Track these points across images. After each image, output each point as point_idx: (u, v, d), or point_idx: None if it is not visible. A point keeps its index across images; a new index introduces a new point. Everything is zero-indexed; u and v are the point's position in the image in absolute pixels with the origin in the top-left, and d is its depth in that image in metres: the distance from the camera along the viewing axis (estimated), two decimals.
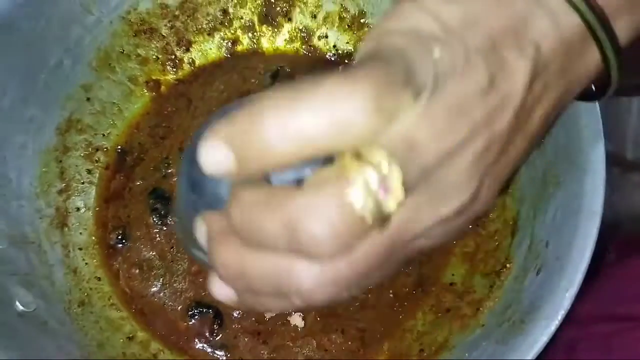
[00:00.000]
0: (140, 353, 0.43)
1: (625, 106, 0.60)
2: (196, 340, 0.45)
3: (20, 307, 0.39)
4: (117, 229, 0.48)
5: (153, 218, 0.48)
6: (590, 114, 0.38)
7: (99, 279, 0.46)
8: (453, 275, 0.46)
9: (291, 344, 0.44)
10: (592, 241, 0.34)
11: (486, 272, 0.43)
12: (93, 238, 0.48)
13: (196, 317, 0.45)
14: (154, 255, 0.47)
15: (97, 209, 0.50)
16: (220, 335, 0.45)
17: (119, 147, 0.52)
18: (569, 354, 0.49)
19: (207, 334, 0.45)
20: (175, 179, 0.49)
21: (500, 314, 0.38)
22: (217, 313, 0.45)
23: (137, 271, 0.47)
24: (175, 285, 0.46)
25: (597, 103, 0.38)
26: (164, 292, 0.46)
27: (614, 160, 0.59)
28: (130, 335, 0.44)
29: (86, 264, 0.47)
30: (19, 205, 0.44)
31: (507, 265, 0.41)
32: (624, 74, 0.61)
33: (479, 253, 0.45)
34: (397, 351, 0.43)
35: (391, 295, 0.45)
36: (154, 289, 0.46)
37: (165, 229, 0.48)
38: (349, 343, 0.44)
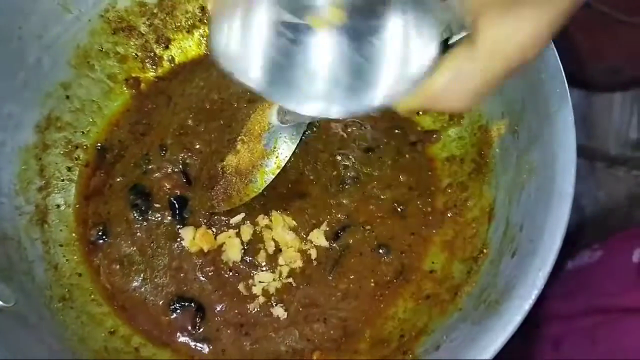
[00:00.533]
0: (122, 347, 0.43)
1: (607, 102, 0.62)
2: (178, 334, 0.45)
3: (0, 302, 0.38)
4: (98, 225, 0.48)
5: (133, 214, 0.48)
6: (562, 100, 0.39)
7: (80, 275, 0.46)
8: (433, 263, 0.46)
9: (274, 335, 0.44)
10: (564, 223, 0.35)
11: (464, 258, 0.44)
12: (73, 235, 0.48)
13: (178, 311, 0.45)
14: (134, 250, 0.47)
15: (77, 205, 0.50)
16: (203, 328, 0.45)
17: (99, 144, 0.52)
18: (555, 350, 0.50)
19: (189, 327, 0.45)
20: (155, 175, 0.50)
21: (476, 297, 0.38)
22: (199, 307, 0.46)
23: (118, 267, 0.47)
24: (156, 280, 0.47)
25: (568, 92, 0.39)
26: (145, 287, 0.46)
27: (598, 156, 0.60)
28: (112, 330, 0.44)
29: (67, 260, 0.46)
30: None
31: (484, 250, 0.42)
32: (607, 71, 0.61)
33: (457, 240, 0.46)
34: (378, 338, 0.43)
35: (372, 285, 0.46)
36: (135, 284, 0.46)
37: (145, 224, 0.48)
38: (331, 332, 0.44)
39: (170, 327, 0.45)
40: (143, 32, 0.54)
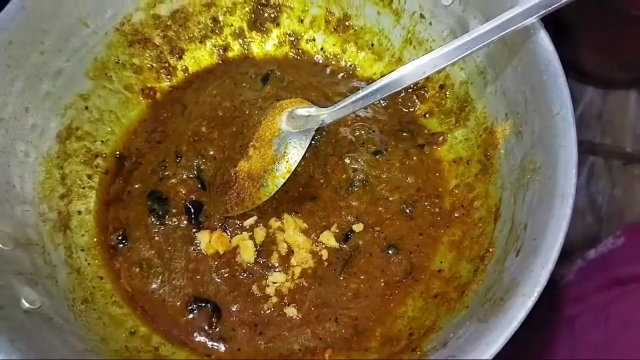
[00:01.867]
0: (142, 346, 0.45)
1: (623, 100, 0.62)
2: (196, 333, 0.47)
3: (26, 305, 0.40)
4: (118, 230, 0.50)
5: (151, 219, 0.50)
6: (563, 103, 0.40)
7: (101, 278, 0.48)
8: (441, 262, 0.47)
9: (287, 334, 0.46)
10: (566, 222, 0.36)
11: (471, 257, 0.45)
12: (94, 240, 0.50)
13: (195, 311, 0.47)
14: (152, 254, 0.49)
15: (97, 212, 0.52)
16: (219, 328, 0.47)
17: (118, 152, 0.54)
18: (569, 330, 0.50)
19: (206, 327, 0.47)
20: (172, 181, 0.51)
21: (483, 295, 0.39)
22: (215, 307, 0.47)
23: (138, 270, 0.49)
24: (174, 282, 0.48)
25: (569, 93, 0.40)
26: (164, 289, 0.48)
27: (614, 154, 0.60)
28: (133, 330, 0.46)
29: (89, 264, 0.49)
30: (23, 210, 0.46)
31: (490, 249, 0.43)
32: (622, 68, 0.61)
33: (465, 240, 0.47)
34: (388, 336, 0.44)
35: (383, 284, 0.47)
36: (154, 286, 0.48)
37: (163, 228, 0.50)
38: (343, 331, 0.45)
39: (188, 327, 0.47)
40: (157, 44, 0.57)
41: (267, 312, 0.47)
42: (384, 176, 0.51)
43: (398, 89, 0.42)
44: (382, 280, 0.47)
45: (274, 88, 0.56)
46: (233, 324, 0.47)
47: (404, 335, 0.43)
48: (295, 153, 0.46)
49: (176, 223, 0.50)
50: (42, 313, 0.41)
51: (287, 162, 0.46)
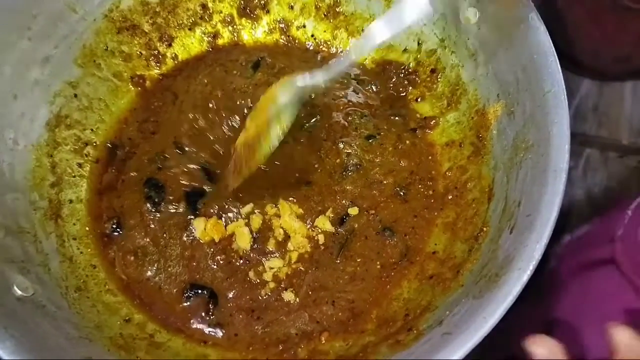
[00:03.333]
0: (137, 334, 0.44)
1: (619, 92, 0.62)
2: (193, 320, 0.46)
3: (19, 292, 0.40)
4: (112, 219, 0.50)
5: (147, 205, 0.49)
6: (554, 81, 0.40)
7: (94, 266, 0.48)
8: (436, 244, 0.48)
9: (284, 318, 0.46)
10: (559, 197, 0.36)
11: (466, 238, 0.45)
12: (87, 228, 0.49)
13: (191, 298, 0.47)
14: (148, 242, 0.49)
15: (89, 201, 0.51)
16: (215, 314, 0.46)
17: (109, 142, 0.53)
18: (610, 244, 0.49)
19: (202, 314, 0.47)
20: (173, 170, 0.51)
21: (477, 273, 0.40)
22: (211, 294, 0.47)
23: (133, 258, 0.48)
24: (169, 269, 0.48)
25: (560, 71, 0.41)
26: (159, 277, 0.48)
27: (610, 146, 0.60)
28: (127, 318, 0.46)
29: (81, 252, 0.48)
30: (13, 197, 0.45)
31: (484, 229, 0.43)
32: (617, 60, 0.62)
33: (458, 222, 0.47)
34: (384, 318, 0.44)
35: (379, 267, 0.47)
36: (149, 274, 0.48)
37: (159, 216, 0.49)
38: (339, 314, 0.46)
39: (185, 313, 0.47)
40: (146, 31, 0.56)
41: (265, 297, 0.47)
42: (377, 160, 0.51)
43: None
44: (378, 262, 0.47)
45: (265, 75, 0.56)
46: (230, 310, 0.47)
47: (400, 316, 0.43)
48: (288, 114, 0.45)
49: (172, 211, 0.50)
50: (35, 301, 0.41)
51: (280, 124, 0.45)
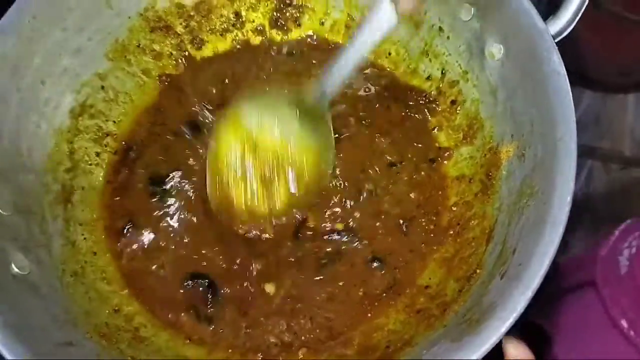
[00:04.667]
0: (122, 325, 0.45)
1: (622, 103, 0.61)
2: (192, 311, 0.47)
3: (15, 270, 0.42)
4: (125, 216, 0.51)
5: (155, 204, 0.51)
6: (566, 128, 0.39)
7: (95, 253, 0.49)
8: (430, 279, 0.47)
9: (264, 320, 0.46)
10: (553, 251, 0.35)
11: (459, 277, 0.44)
12: (94, 216, 0.51)
13: (190, 287, 0.48)
14: (154, 234, 0.50)
15: (103, 191, 0.53)
16: (213, 305, 0.47)
17: (124, 141, 0.55)
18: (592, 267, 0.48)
19: (201, 304, 0.47)
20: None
21: (461, 316, 0.39)
22: (211, 283, 0.48)
23: (137, 248, 0.49)
24: (171, 260, 0.49)
25: (574, 118, 0.39)
26: (162, 269, 0.49)
27: (612, 157, 0.59)
28: (116, 308, 0.47)
29: (84, 238, 0.50)
30: (27, 178, 0.47)
31: (478, 270, 0.42)
32: (620, 72, 0.61)
33: (455, 259, 0.46)
34: (365, 346, 0.44)
35: (361, 294, 0.47)
36: (154, 267, 0.49)
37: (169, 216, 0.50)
38: (317, 331, 0.45)
39: (184, 303, 0.47)
40: (179, 32, 0.58)
41: (251, 288, 0.47)
42: (390, 188, 0.51)
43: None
44: (361, 289, 0.47)
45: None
46: (223, 300, 0.47)
47: (381, 347, 0.43)
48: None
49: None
50: (29, 280, 0.42)
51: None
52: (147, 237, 0.50)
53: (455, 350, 0.35)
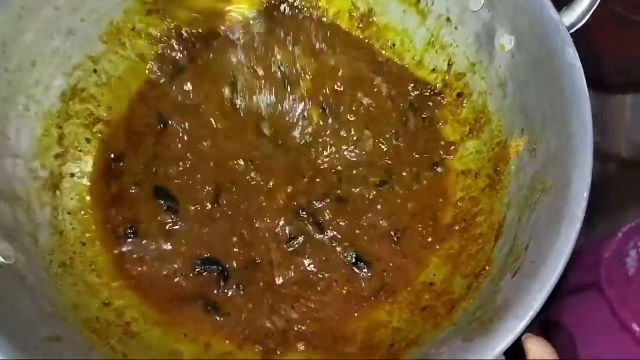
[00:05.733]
0: (113, 319, 0.43)
1: (619, 103, 0.61)
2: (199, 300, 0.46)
3: (0, 259, 0.39)
4: (126, 223, 0.49)
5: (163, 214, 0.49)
6: (582, 123, 0.38)
7: (84, 244, 0.47)
8: (434, 275, 0.45)
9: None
10: (570, 248, 0.34)
11: (466, 273, 0.42)
12: (88, 202, 0.48)
13: (204, 273, 0.47)
14: (167, 247, 0.48)
15: (95, 178, 0.50)
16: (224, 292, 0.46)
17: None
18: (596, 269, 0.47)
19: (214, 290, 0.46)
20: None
21: (472, 314, 0.37)
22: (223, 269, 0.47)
23: (148, 257, 0.47)
24: (172, 251, 0.47)
25: (590, 113, 0.38)
26: (160, 259, 0.47)
27: (609, 158, 0.59)
28: (107, 302, 0.44)
29: (73, 228, 0.47)
30: (14, 163, 0.45)
31: (487, 267, 0.41)
32: (619, 72, 0.61)
33: (461, 255, 0.44)
34: (368, 344, 0.42)
35: (345, 292, 0.46)
36: (165, 272, 0.47)
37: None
38: (307, 321, 0.45)
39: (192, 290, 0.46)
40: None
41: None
42: (379, 204, 0.49)
43: None
44: (345, 288, 0.46)
45: None
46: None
47: (385, 345, 0.41)
48: None
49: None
50: (15, 269, 0.40)
51: None
52: (154, 244, 0.48)
53: (466, 350, 0.33)
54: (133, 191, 0.49)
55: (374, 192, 0.49)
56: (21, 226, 0.43)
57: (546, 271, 0.33)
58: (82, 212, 0.48)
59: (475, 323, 0.36)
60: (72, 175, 0.49)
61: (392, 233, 0.48)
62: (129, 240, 0.48)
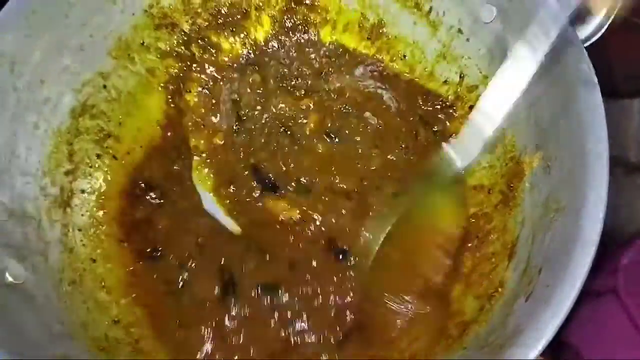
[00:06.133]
0: (122, 337, 0.43)
1: (627, 108, 0.59)
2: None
3: (9, 279, 0.39)
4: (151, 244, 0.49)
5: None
6: (598, 139, 0.36)
7: (94, 260, 0.47)
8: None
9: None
10: (585, 271, 0.33)
11: (479, 294, 0.41)
12: (101, 217, 0.49)
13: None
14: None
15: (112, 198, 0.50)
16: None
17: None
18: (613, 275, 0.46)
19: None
20: None
21: (484, 339, 0.36)
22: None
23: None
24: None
25: (606, 131, 0.37)
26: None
27: (617, 162, 0.57)
28: (116, 319, 0.44)
29: (83, 245, 0.47)
30: (24, 181, 0.45)
31: (499, 289, 0.39)
32: (628, 77, 0.59)
33: (474, 274, 0.43)
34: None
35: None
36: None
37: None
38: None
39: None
40: (185, 30, 0.55)
41: None
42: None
43: None
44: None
45: None
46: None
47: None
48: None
49: None
50: (24, 290, 0.40)
51: None
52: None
53: None
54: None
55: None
56: (31, 245, 0.43)
57: (560, 296, 0.32)
58: (93, 229, 0.49)
59: (486, 348, 0.35)
60: (83, 191, 0.49)
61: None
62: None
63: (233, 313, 0.45)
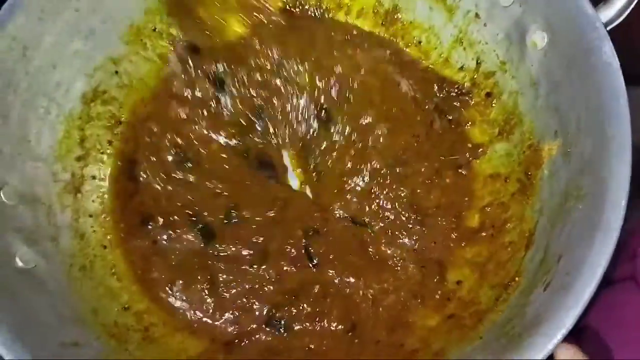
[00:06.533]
0: (132, 324, 0.43)
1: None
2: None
3: (20, 264, 0.39)
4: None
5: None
6: (620, 126, 0.35)
7: (105, 247, 0.47)
8: (460, 283, 0.44)
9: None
10: (606, 259, 0.32)
11: (494, 283, 0.41)
12: (105, 208, 0.48)
13: None
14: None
15: (117, 182, 0.50)
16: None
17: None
18: (631, 262, 0.45)
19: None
20: None
21: (500, 328, 0.35)
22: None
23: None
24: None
25: (628, 117, 0.36)
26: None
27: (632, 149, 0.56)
28: (127, 306, 0.44)
29: (94, 231, 0.47)
30: (34, 166, 0.45)
31: (517, 278, 0.39)
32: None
33: (490, 263, 0.43)
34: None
35: None
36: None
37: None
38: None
39: None
40: (200, 16, 0.54)
41: None
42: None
43: None
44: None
45: None
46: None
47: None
48: None
49: None
50: (35, 274, 0.40)
51: None
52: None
53: None
54: None
55: (397, 168, 0.49)
56: (42, 230, 0.43)
57: (581, 285, 0.31)
58: (104, 215, 0.48)
59: (503, 338, 0.34)
60: (94, 177, 0.49)
61: (414, 206, 0.47)
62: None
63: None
